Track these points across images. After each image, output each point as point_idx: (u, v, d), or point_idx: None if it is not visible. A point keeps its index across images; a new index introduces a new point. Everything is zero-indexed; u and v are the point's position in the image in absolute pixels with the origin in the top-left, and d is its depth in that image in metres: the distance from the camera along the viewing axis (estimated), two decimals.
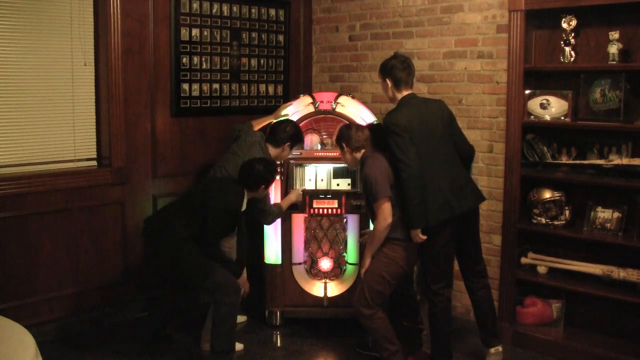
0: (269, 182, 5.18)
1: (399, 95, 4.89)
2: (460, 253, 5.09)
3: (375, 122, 5.49)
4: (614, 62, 5.05)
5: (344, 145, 5.00)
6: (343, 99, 5.88)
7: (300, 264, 5.84)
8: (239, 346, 5.37)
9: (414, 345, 5.28)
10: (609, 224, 5.21)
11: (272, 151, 5.50)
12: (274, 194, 5.68)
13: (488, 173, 5.86)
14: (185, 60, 6.15)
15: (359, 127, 5.13)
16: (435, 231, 4.72)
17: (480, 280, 5.14)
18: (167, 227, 4.93)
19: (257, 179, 5.09)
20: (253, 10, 6.67)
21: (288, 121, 5.64)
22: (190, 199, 5.09)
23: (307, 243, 5.83)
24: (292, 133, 5.52)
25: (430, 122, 4.78)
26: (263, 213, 5.41)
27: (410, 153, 4.63)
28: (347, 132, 5.00)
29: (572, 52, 5.31)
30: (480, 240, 5.17)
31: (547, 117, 5.38)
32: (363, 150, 4.96)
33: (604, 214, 5.24)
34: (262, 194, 5.25)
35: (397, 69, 4.86)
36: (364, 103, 6.02)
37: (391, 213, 4.71)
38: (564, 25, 5.31)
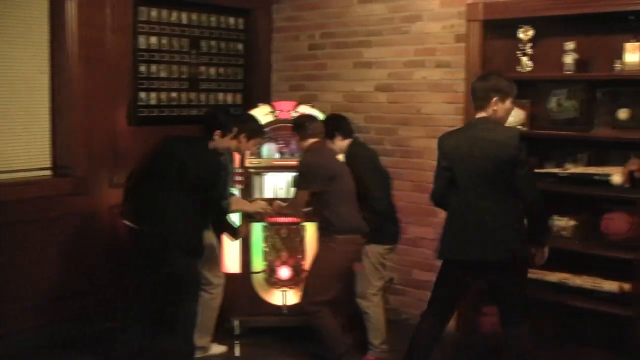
0: (224, 127, 4.93)
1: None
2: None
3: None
4: (570, 72, 5.12)
5: (296, 133, 5.18)
6: (302, 108, 5.88)
7: (259, 272, 5.79)
8: (221, 348, 5.43)
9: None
10: (565, 232, 5.24)
11: (229, 142, 5.32)
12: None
13: None
14: (143, 68, 6.10)
15: (312, 117, 5.29)
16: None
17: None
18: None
19: (214, 123, 4.93)
20: (212, 19, 6.64)
21: (248, 114, 5.59)
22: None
23: (265, 252, 5.79)
24: (250, 125, 5.30)
25: (482, 152, 4.31)
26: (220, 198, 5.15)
27: (437, 177, 4.60)
28: (299, 121, 5.24)
29: (529, 62, 5.37)
30: (512, 301, 4.51)
31: None
32: (311, 140, 5.08)
33: (561, 222, 5.27)
34: (221, 144, 4.97)
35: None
36: (324, 113, 6.01)
37: (303, 204, 5.05)
38: (521, 35, 5.37)
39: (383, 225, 5.22)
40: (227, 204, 5.13)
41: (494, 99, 4.34)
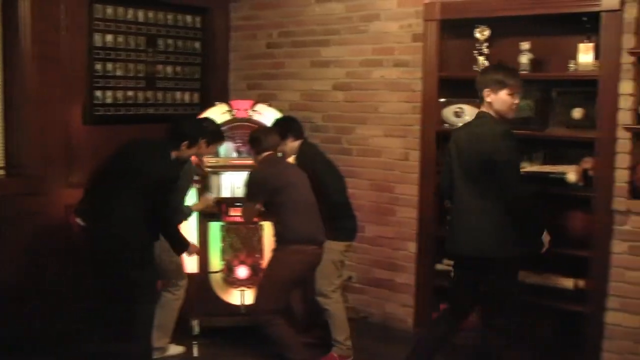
0: (192, 138, 4.88)
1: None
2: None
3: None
4: (526, 72, 5.16)
5: (251, 147, 5.22)
6: (260, 107, 5.88)
7: (217, 272, 5.77)
8: (179, 349, 5.38)
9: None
10: None
11: (189, 151, 5.29)
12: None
13: (404, 181, 5.91)
14: (99, 66, 6.03)
15: (267, 131, 5.30)
16: None
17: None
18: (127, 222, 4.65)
19: (181, 134, 4.87)
20: (169, 17, 6.59)
21: (208, 119, 5.55)
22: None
23: (223, 251, 5.77)
24: (210, 130, 5.27)
25: (469, 147, 4.41)
26: (177, 209, 5.18)
27: (442, 171, 4.71)
28: (254, 135, 5.23)
29: (486, 62, 5.41)
30: (497, 299, 4.52)
31: (461, 125, 5.44)
32: (265, 154, 5.13)
33: None
34: (186, 154, 4.92)
35: None
36: (282, 111, 6.00)
37: (251, 216, 5.24)
38: (478, 35, 5.41)
39: (341, 222, 5.25)
40: (188, 210, 5.22)
41: (486, 90, 4.38)
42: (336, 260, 5.25)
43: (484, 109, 4.42)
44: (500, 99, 4.35)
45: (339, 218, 5.23)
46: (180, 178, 4.87)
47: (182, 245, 4.98)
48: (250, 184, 5.10)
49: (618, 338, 4.85)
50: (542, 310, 5.22)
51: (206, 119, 5.51)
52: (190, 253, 5.15)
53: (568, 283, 5.07)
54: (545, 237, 4.46)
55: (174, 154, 4.83)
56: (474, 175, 4.35)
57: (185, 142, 4.83)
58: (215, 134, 5.26)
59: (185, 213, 5.30)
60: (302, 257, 4.99)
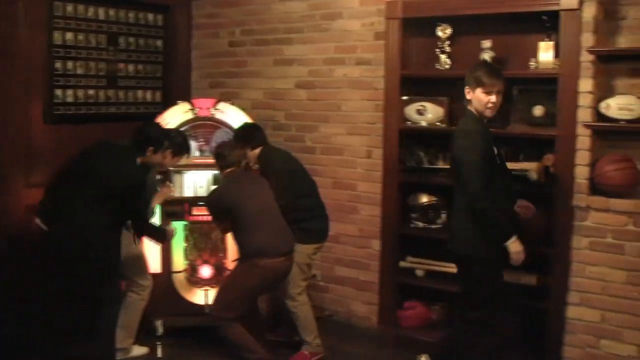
0: (158, 144, 4.85)
1: None
2: None
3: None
4: None
5: (216, 163, 5.29)
6: (222, 106, 5.85)
7: (180, 272, 5.73)
8: (142, 349, 5.34)
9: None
10: None
11: (154, 157, 5.26)
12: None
13: (367, 179, 5.93)
14: (59, 65, 5.95)
15: (231, 146, 5.31)
16: None
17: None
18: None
19: (147, 139, 4.82)
20: (131, 15, 6.52)
21: (176, 130, 5.52)
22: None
23: (187, 251, 5.74)
24: (176, 142, 5.21)
25: (450, 143, 4.50)
26: (147, 207, 5.14)
27: None
28: (218, 151, 5.30)
29: (448, 60, 5.44)
30: (469, 295, 4.63)
31: (424, 123, 5.48)
32: (228, 170, 5.22)
33: None
34: (152, 160, 4.89)
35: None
36: (244, 110, 5.98)
37: (225, 230, 5.27)
38: (440, 33, 5.44)
39: (308, 224, 5.26)
40: (150, 214, 5.15)
41: (466, 88, 4.44)
42: (302, 263, 5.25)
43: (469, 106, 4.47)
44: (476, 97, 4.40)
45: (305, 220, 5.24)
46: (147, 184, 4.86)
47: (160, 236, 5.06)
48: (208, 205, 5.23)
49: (579, 332, 4.91)
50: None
51: (174, 130, 5.48)
52: (170, 238, 5.20)
53: (531, 280, 5.12)
54: (513, 247, 4.36)
55: (139, 160, 4.80)
56: (453, 173, 4.48)
57: (151, 148, 4.80)
58: (181, 145, 5.22)
59: (151, 212, 5.26)
60: (261, 271, 5.00)
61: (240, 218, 5.01)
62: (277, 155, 5.41)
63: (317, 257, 5.53)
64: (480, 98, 4.39)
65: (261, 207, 5.08)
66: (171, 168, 5.59)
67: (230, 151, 5.23)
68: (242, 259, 5.11)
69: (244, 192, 5.10)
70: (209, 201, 5.22)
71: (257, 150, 5.31)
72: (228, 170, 5.21)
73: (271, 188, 5.19)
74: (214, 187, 5.52)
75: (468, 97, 4.43)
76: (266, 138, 5.43)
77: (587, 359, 4.93)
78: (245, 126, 5.52)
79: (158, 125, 5.11)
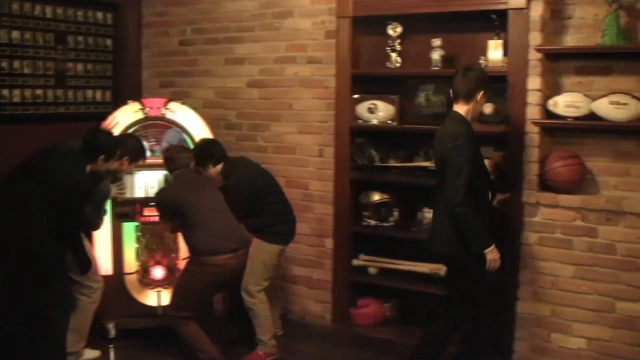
0: (109, 152, 4.80)
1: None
2: None
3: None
4: (437, 68, 5.26)
5: (165, 165, 5.33)
6: (173, 105, 5.81)
7: (132, 273, 5.68)
8: (94, 353, 5.28)
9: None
10: None
11: (105, 165, 5.20)
12: None
13: (319, 177, 5.94)
14: (5, 64, 5.84)
15: (181, 149, 5.38)
16: None
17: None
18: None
19: (98, 147, 4.76)
20: (79, 13, 6.44)
21: (132, 135, 5.48)
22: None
23: (138, 252, 5.69)
24: (133, 148, 5.21)
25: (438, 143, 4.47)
26: (97, 213, 5.12)
27: None
28: (167, 154, 5.35)
29: (399, 58, 5.46)
30: (452, 291, 4.64)
31: (375, 121, 5.50)
32: (177, 172, 5.27)
33: (431, 214, 5.37)
34: (103, 167, 4.85)
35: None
36: (195, 109, 5.95)
37: (175, 229, 5.23)
38: (390, 32, 5.46)
39: (275, 227, 5.29)
40: (101, 220, 5.13)
41: (479, 92, 4.43)
42: (267, 262, 5.26)
43: (458, 108, 4.42)
44: (481, 100, 4.46)
45: (272, 225, 5.27)
46: (96, 190, 4.82)
47: (84, 263, 4.95)
48: (157, 204, 5.26)
49: (530, 326, 4.98)
50: None
51: (129, 135, 5.43)
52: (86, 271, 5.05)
53: None
54: (490, 254, 4.36)
55: (89, 167, 4.75)
56: (439, 176, 4.50)
57: (102, 156, 4.75)
58: (138, 151, 5.21)
59: (97, 221, 5.19)
60: (212, 269, 5.01)
61: (189, 217, 5.01)
62: (243, 167, 5.37)
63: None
64: (484, 101, 4.48)
65: (209, 206, 5.09)
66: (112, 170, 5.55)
67: (178, 154, 5.28)
68: (192, 257, 5.12)
69: (192, 191, 5.11)
70: (158, 200, 5.23)
71: (219, 167, 5.27)
72: (177, 172, 5.26)
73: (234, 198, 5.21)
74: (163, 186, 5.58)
75: (477, 99, 4.41)
76: (224, 152, 5.35)
77: (538, 352, 5.01)
78: (202, 143, 5.45)
79: (110, 134, 5.05)
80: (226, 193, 5.23)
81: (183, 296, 5.05)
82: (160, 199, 5.21)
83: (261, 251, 5.23)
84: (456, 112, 4.42)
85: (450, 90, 4.46)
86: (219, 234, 5.05)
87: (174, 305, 5.08)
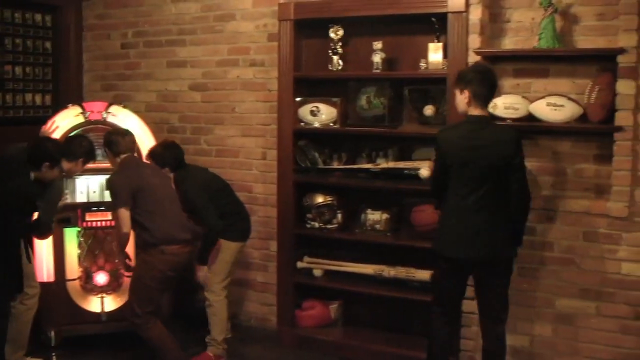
0: (54, 160, 4.69)
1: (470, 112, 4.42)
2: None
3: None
4: (378, 71, 5.29)
5: (106, 150, 5.08)
6: (114, 109, 5.75)
7: (74, 279, 5.60)
8: None
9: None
10: (378, 225, 5.41)
11: (65, 165, 5.13)
12: None
13: (263, 180, 5.96)
14: None
15: (122, 132, 5.17)
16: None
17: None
18: None
19: (42, 155, 4.66)
20: (17, 15, 6.35)
21: (83, 136, 5.38)
22: None
23: (80, 257, 5.61)
24: (88, 149, 5.13)
25: (481, 150, 4.31)
26: (43, 220, 4.95)
27: (435, 166, 4.56)
28: (109, 137, 5.10)
29: (340, 61, 5.49)
30: (506, 294, 4.56)
31: (317, 124, 5.52)
32: (122, 156, 5.03)
33: (374, 216, 5.43)
34: (48, 175, 4.73)
35: (478, 82, 4.35)
36: (137, 113, 5.90)
37: (128, 220, 4.86)
38: (332, 35, 5.49)
39: (234, 225, 5.30)
40: (50, 225, 4.98)
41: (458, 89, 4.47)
42: (230, 259, 5.32)
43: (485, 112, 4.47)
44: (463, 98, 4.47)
45: (231, 224, 5.27)
46: (44, 196, 4.73)
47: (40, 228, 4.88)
48: (114, 189, 4.95)
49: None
50: (401, 302, 5.40)
51: (80, 136, 5.35)
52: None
53: (425, 275, 5.22)
54: None
55: (33, 175, 4.66)
56: (489, 175, 4.41)
57: (47, 164, 4.66)
58: (90, 151, 5.11)
59: (46, 227, 5.09)
60: (167, 258, 4.91)
61: (147, 202, 4.90)
62: (187, 175, 5.32)
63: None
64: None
65: (165, 193, 5.03)
66: (62, 173, 5.46)
67: (123, 137, 5.09)
68: (148, 247, 4.92)
69: (146, 178, 5.00)
70: (115, 184, 4.95)
71: (173, 174, 5.28)
72: (123, 156, 5.05)
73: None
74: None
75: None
76: (177, 160, 5.34)
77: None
78: (166, 145, 5.43)
79: (55, 142, 4.97)
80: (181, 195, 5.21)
81: (143, 290, 4.91)
82: (118, 182, 4.94)
83: (224, 250, 5.27)
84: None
85: (474, 93, 4.35)
86: (175, 222, 4.98)
87: (137, 303, 4.90)
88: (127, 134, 5.19)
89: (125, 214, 4.87)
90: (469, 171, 4.30)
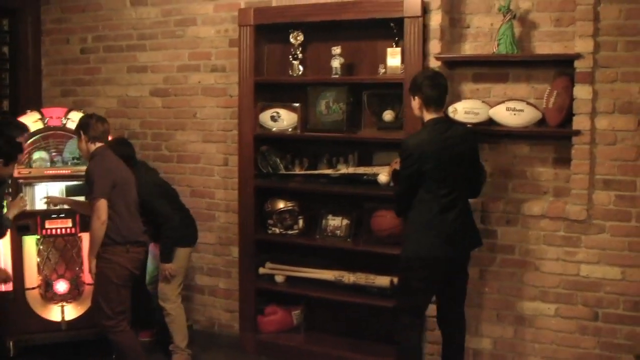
0: (9, 156, 4.59)
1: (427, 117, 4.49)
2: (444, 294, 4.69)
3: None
4: (337, 76, 5.30)
5: (81, 133, 4.89)
6: (74, 115, 5.68)
7: (33, 288, 5.52)
8: None
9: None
10: (339, 231, 5.43)
11: (6, 167, 5.00)
12: None
13: (224, 186, 5.95)
14: None
15: (100, 118, 4.98)
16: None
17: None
18: None
19: None
20: None
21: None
22: None
23: (40, 266, 5.54)
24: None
25: (454, 148, 4.41)
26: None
27: (405, 175, 4.47)
28: (86, 121, 4.94)
29: (301, 66, 5.49)
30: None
31: (278, 129, 5.51)
32: (99, 144, 4.87)
33: (335, 222, 5.46)
34: (3, 172, 4.65)
35: (427, 87, 4.43)
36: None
37: (106, 212, 4.69)
38: (292, 40, 5.48)
39: (184, 230, 5.33)
40: (8, 222, 4.87)
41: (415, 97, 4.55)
42: (182, 265, 5.36)
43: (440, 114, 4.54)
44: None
45: (181, 228, 5.28)
46: None
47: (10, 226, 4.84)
48: (94, 177, 4.72)
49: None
50: (361, 308, 5.42)
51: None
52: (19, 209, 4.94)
53: (384, 281, 5.23)
54: None
55: None
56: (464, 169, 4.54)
57: (1, 160, 4.56)
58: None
59: (6, 224, 5.00)
60: (132, 256, 4.85)
61: (118, 199, 4.77)
62: (146, 174, 5.36)
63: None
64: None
65: (130, 193, 4.92)
66: (21, 180, 5.41)
67: (96, 121, 4.90)
68: (114, 244, 4.77)
69: (122, 173, 4.89)
70: (97, 172, 4.74)
71: None
72: (98, 144, 4.87)
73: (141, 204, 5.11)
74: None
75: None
76: (129, 157, 5.31)
77: None
78: (119, 141, 5.44)
79: (10, 138, 4.80)
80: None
81: (112, 290, 4.78)
82: (100, 172, 4.74)
83: (177, 257, 5.28)
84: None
85: (427, 98, 4.43)
86: (138, 223, 4.94)
87: (106, 304, 4.77)
88: (104, 121, 4.98)
89: (104, 204, 4.68)
90: (445, 170, 4.36)
